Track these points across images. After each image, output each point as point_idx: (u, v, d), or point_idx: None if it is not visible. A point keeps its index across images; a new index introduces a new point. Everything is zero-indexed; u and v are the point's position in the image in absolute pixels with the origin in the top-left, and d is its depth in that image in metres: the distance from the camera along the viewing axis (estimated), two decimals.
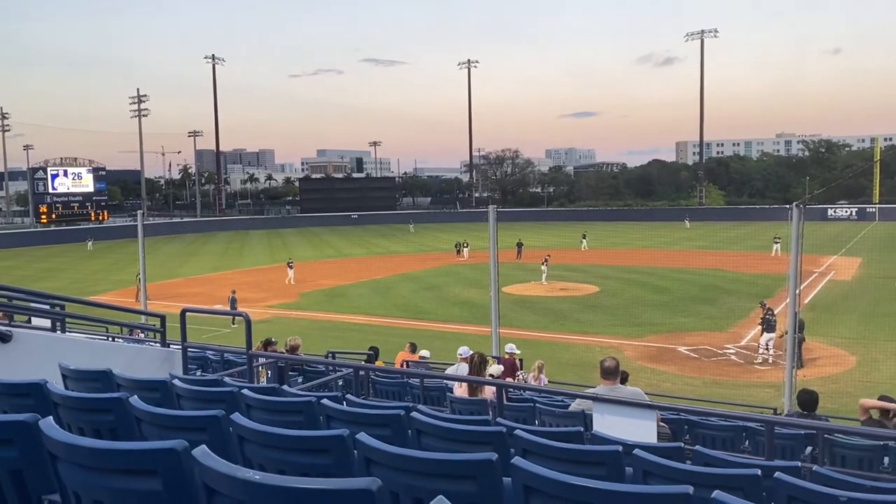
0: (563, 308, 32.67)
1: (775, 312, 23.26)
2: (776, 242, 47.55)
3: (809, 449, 8.13)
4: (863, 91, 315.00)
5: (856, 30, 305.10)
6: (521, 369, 14.73)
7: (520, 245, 50.41)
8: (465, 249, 55.24)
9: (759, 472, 3.39)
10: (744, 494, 3.31)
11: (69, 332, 10.52)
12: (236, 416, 3.39)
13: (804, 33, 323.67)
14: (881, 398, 8.52)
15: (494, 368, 11.06)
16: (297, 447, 3.15)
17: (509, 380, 12.38)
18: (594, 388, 7.72)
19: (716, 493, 2.36)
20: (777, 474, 3.25)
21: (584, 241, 58.41)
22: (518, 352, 15.16)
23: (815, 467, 4.30)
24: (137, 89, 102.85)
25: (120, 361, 7.88)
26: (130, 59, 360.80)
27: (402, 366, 14.50)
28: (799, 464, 4.67)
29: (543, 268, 39.45)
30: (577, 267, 44.12)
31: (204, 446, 2.06)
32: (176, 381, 5.28)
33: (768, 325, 22.79)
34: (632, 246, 55.41)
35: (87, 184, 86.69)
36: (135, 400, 3.69)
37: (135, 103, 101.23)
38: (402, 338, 20.24)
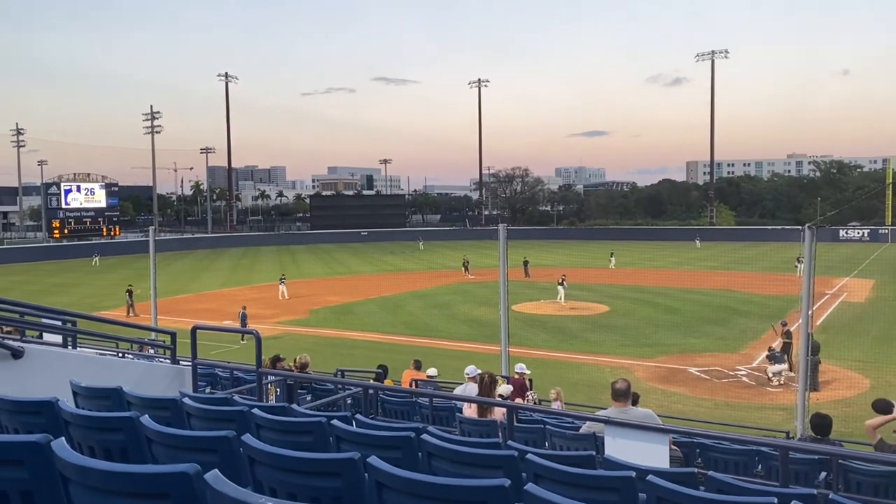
0: (573, 327, 32.52)
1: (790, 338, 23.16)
2: (800, 263, 47.24)
3: (824, 475, 8.02)
4: (874, 112, 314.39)
5: (864, 51, 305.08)
6: (531, 389, 14.64)
7: (526, 263, 50.25)
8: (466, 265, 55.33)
9: (775, 500, 3.34)
10: None
11: (80, 347, 10.54)
12: (247, 437, 3.37)
13: (813, 54, 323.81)
14: (876, 403, 8.42)
15: (504, 388, 10.99)
16: (307, 470, 3.12)
17: (519, 400, 12.30)
18: (605, 409, 7.66)
19: None
20: (793, 503, 3.20)
21: (612, 259, 57.85)
22: (528, 371, 15.07)
23: (830, 494, 4.23)
24: (151, 106, 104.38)
25: (130, 378, 7.88)
26: (144, 76, 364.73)
27: (410, 384, 14.44)
28: (815, 491, 4.60)
29: (560, 288, 39.23)
30: (588, 286, 43.98)
31: (216, 471, 2.05)
32: (186, 400, 5.27)
33: (774, 358, 22.66)
34: (642, 266, 55.26)
35: (100, 199, 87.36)
36: (146, 419, 3.69)
37: (148, 120, 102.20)
38: (410, 356, 20.18)
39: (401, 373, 16.45)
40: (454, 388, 12.73)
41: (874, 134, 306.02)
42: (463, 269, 54.17)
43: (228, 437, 3.49)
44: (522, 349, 24.02)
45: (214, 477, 2.01)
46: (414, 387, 14.21)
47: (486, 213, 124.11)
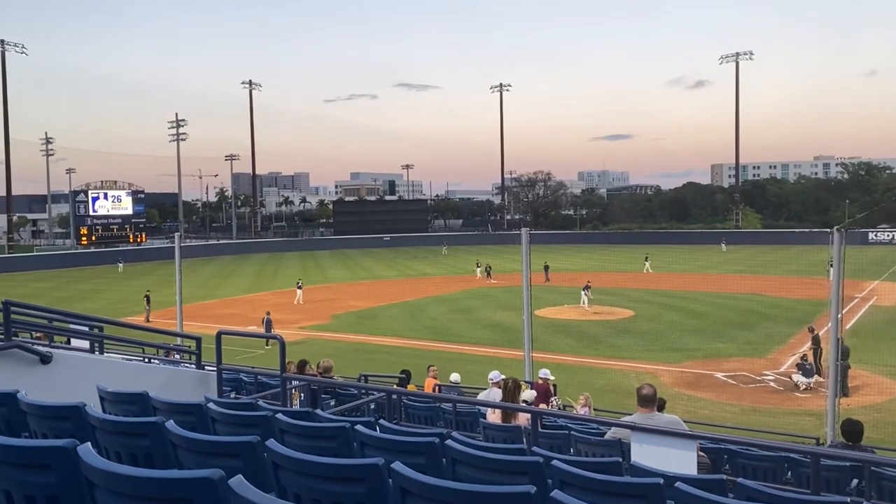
0: (597, 332, 32.30)
1: (819, 343, 22.80)
2: (832, 266, 46.44)
3: (856, 482, 7.85)
4: None
5: (891, 51, 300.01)
6: (556, 395, 14.53)
7: (546, 268, 49.88)
8: (478, 269, 55.36)
9: None
10: None
11: (106, 353, 10.66)
12: (271, 443, 3.37)
13: (839, 55, 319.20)
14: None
15: (527, 394, 10.92)
16: (331, 475, 3.11)
17: (543, 406, 12.22)
18: (630, 415, 7.57)
19: None
20: None
21: (646, 263, 57.16)
22: (552, 377, 14.95)
23: (863, 502, 4.13)
24: (176, 114, 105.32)
25: (156, 383, 7.96)
26: (169, 85, 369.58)
27: (434, 391, 14.40)
28: (848, 499, 4.49)
29: (584, 293, 38.87)
30: (612, 291, 43.66)
31: (240, 476, 2.04)
32: (211, 405, 5.29)
33: (804, 370, 22.28)
34: (667, 270, 54.77)
35: (127, 206, 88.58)
36: (171, 424, 3.70)
37: (173, 127, 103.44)
38: (433, 361, 20.16)
39: (424, 378, 16.42)
40: (477, 394, 12.68)
41: None
42: (485, 274, 54.20)
43: (252, 443, 3.49)
44: (546, 354, 23.88)
45: (238, 482, 2.00)
46: (437, 392, 14.18)
47: (509, 217, 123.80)
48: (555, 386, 14.94)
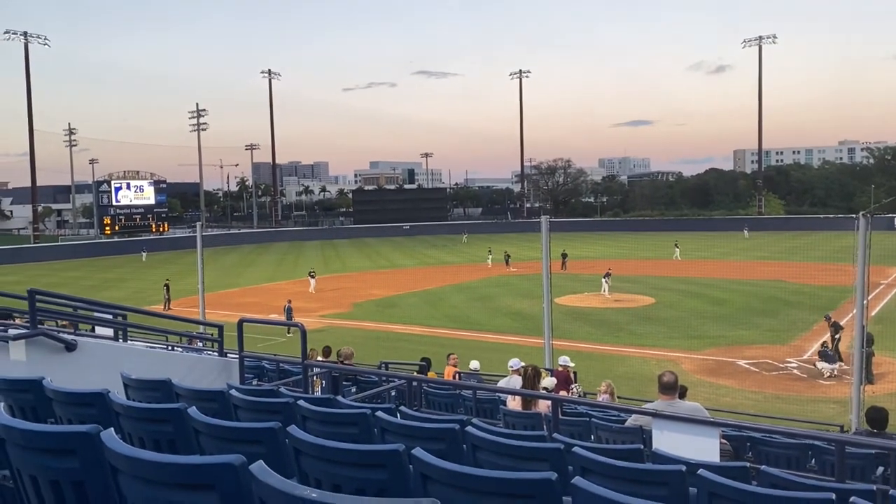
0: (618, 320, 32.15)
1: (840, 329, 22.52)
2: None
3: (881, 470, 7.75)
4: None
5: None
6: (576, 382, 14.49)
7: (564, 256, 49.54)
8: (490, 258, 55.23)
9: (833, 496, 3.22)
10: None
11: (130, 340, 10.79)
12: (293, 429, 3.38)
13: (864, 38, 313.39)
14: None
15: (548, 381, 10.89)
16: (352, 461, 3.11)
17: (563, 393, 12.19)
18: (651, 402, 7.52)
19: None
20: (853, 499, 3.08)
21: (676, 250, 56.46)
22: (572, 364, 14.92)
23: (892, 491, 4.07)
24: (196, 104, 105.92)
25: (179, 371, 8.03)
26: (190, 75, 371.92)
27: (454, 379, 14.42)
28: (874, 487, 4.43)
29: (604, 281, 38.63)
30: (633, 278, 43.38)
31: (261, 462, 2.04)
32: (233, 392, 5.33)
33: (827, 357, 22.04)
34: (690, 257, 54.32)
35: (149, 196, 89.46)
36: (193, 411, 3.73)
37: (194, 117, 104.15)
38: (453, 349, 20.18)
39: (444, 366, 16.44)
40: (497, 381, 12.68)
41: None
42: (504, 262, 54.08)
43: (274, 429, 3.51)
44: (566, 342, 23.80)
45: (260, 468, 2.00)
46: (457, 380, 14.20)
47: (528, 205, 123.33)
48: (575, 373, 14.91)
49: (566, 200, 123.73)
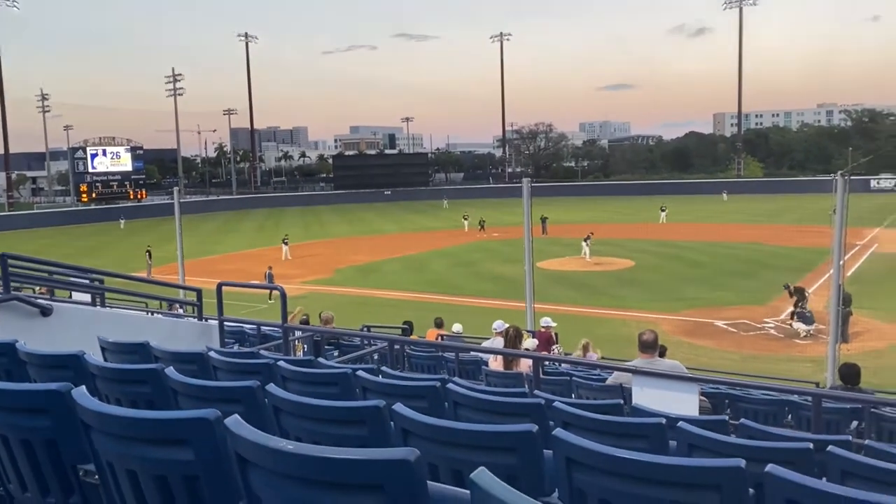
0: (598, 283, 32.37)
1: (806, 295, 22.83)
2: (835, 213, 46.21)
3: (855, 423, 7.91)
4: None
5: None
6: (557, 342, 14.62)
7: (544, 220, 49.39)
8: (466, 223, 55.28)
9: (811, 445, 3.25)
10: (795, 469, 3.17)
11: (108, 306, 10.68)
12: (272, 387, 3.35)
13: (840, 1, 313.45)
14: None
15: (529, 342, 10.98)
16: (332, 418, 3.09)
17: (545, 353, 12.29)
18: (632, 361, 7.59)
19: (770, 467, 2.24)
20: (830, 448, 3.11)
21: (662, 213, 56.44)
22: (554, 324, 15.04)
23: (866, 441, 4.14)
24: (172, 68, 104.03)
25: (158, 335, 7.94)
26: (165, 39, 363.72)
27: (437, 340, 14.48)
28: (850, 438, 4.50)
29: (584, 244, 38.75)
30: (613, 241, 43.63)
31: (237, 415, 2.01)
32: (212, 354, 5.28)
33: (804, 318, 22.33)
34: (670, 220, 54.65)
35: (126, 163, 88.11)
36: (171, 371, 3.68)
37: (170, 82, 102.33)
38: (435, 313, 20.18)
39: (425, 330, 16.49)
40: (480, 343, 12.75)
41: None
42: (479, 227, 53.95)
43: (253, 388, 3.47)
44: (548, 305, 23.92)
45: (235, 422, 1.96)
46: (440, 342, 14.26)
47: (510, 170, 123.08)
48: (556, 334, 15.03)
49: (547, 165, 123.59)
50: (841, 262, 13.17)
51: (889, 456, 3.75)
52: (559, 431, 2.61)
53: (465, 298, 29.58)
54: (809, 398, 7.15)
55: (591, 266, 36.69)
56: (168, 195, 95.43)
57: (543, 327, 14.52)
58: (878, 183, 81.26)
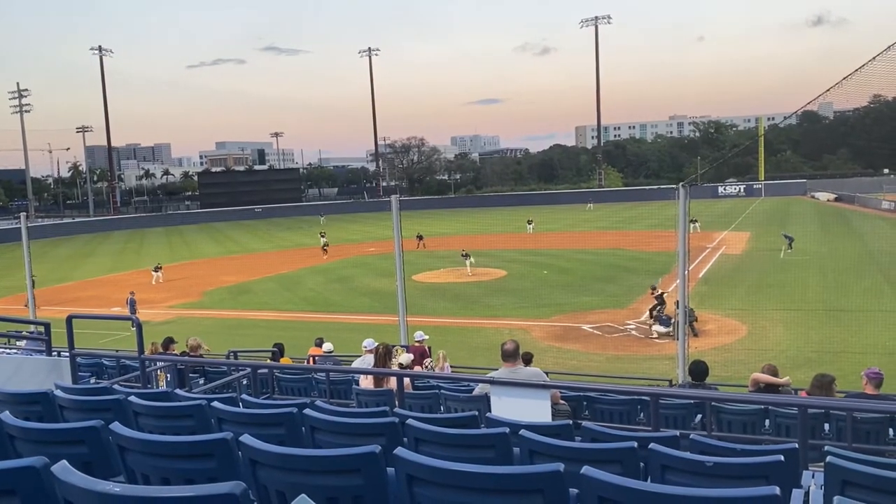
0: (472, 293, 33.06)
1: (664, 296, 24.39)
2: (693, 223, 49.39)
3: (699, 417, 8.60)
4: (741, 74, 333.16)
5: (714, 17, 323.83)
6: (430, 356, 14.84)
7: (420, 237, 49.34)
8: (323, 239, 52.10)
9: (635, 444, 3.57)
10: (622, 466, 3.47)
11: None
12: (116, 426, 3.28)
13: (676, 21, 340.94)
14: (766, 368, 9.10)
15: (404, 357, 11.11)
16: (179, 453, 3.08)
17: (419, 368, 12.47)
18: (496, 371, 7.89)
19: (585, 469, 2.46)
20: (651, 445, 3.43)
21: (529, 225, 57.67)
22: (426, 337, 15.28)
23: (692, 434, 4.56)
24: (17, 83, 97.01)
25: (1, 374, 7.46)
26: (9, 52, 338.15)
27: (311, 362, 14.35)
28: (678, 433, 4.93)
29: (466, 261, 38.77)
30: (487, 252, 44.68)
31: (64, 462, 2.00)
32: (59, 392, 5.05)
33: (662, 321, 23.81)
34: (538, 230, 56.66)
35: None
36: (6, 416, 3.52)
37: (15, 98, 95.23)
38: (311, 332, 19.99)
39: (302, 350, 16.31)
40: (353, 362, 12.75)
41: (747, 95, 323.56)
42: (322, 251, 50.49)
43: (97, 427, 3.39)
44: (424, 318, 24.23)
45: (62, 468, 1.96)
46: (312, 363, 14.14)
47: (384, 184, 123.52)
48: (429, 347, 15.27)
49: (421, 178, 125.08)
50: (687, 271, 14.13)
51: (710, 448, 4.16)
52: (400, 450, 2.75)
53: (341, 315, 29.37)
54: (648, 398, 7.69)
55: (466, 277, 37.43)
56: (16, 219, 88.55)
57: (417, 341, 14.71)
58: (724, 189, 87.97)
